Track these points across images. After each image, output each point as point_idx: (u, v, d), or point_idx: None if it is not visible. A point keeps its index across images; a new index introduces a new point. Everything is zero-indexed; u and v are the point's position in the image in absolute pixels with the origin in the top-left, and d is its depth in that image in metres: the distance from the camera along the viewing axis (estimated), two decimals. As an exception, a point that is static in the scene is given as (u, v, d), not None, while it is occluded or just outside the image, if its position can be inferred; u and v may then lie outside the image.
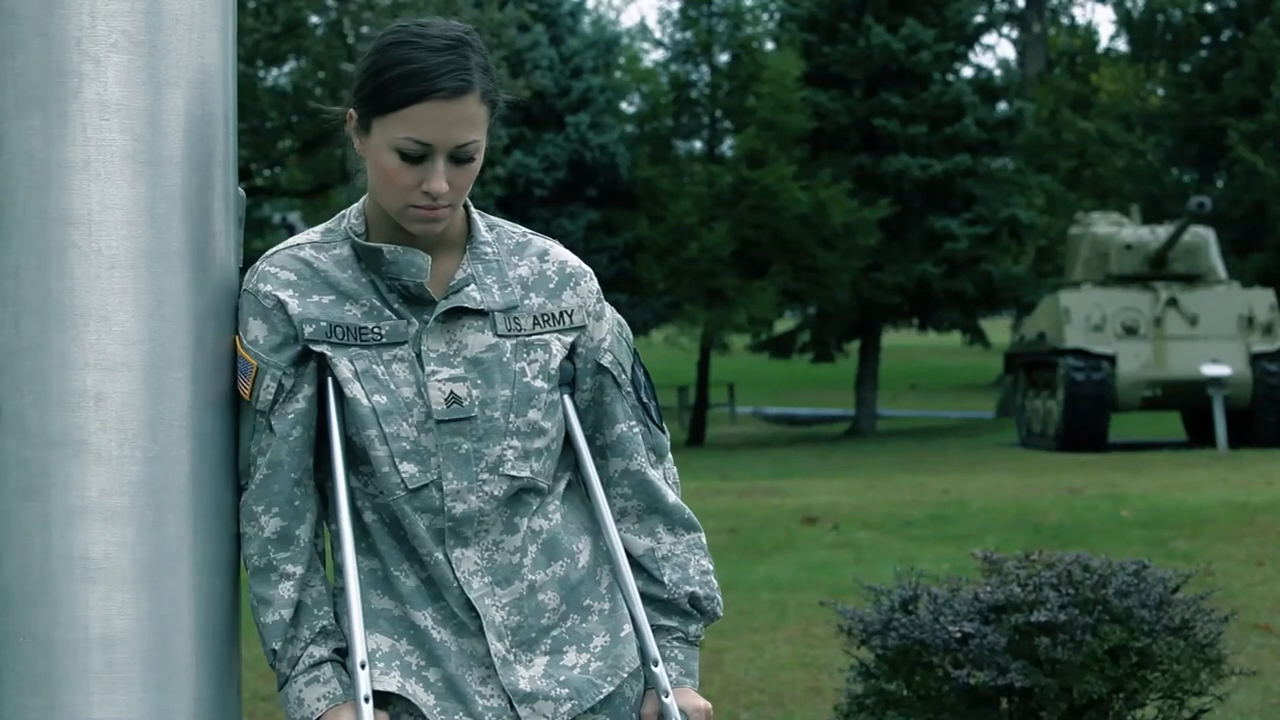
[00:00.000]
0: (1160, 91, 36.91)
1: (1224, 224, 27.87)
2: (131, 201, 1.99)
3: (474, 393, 2.18)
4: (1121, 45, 40.67)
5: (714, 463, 21.74)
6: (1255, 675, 5.93)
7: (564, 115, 29.49)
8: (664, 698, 2.24)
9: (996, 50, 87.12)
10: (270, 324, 2.15)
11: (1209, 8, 34.10)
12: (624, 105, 31.98)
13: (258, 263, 2.20)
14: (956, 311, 30.21)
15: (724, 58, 30.38)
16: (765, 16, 31.72)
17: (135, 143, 1.99)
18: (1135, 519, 10.85)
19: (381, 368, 2.17)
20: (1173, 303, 20.75)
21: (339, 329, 2.16)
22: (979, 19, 31.73)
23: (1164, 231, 21.71)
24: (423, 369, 2.18)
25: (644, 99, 31.49)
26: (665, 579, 2.31)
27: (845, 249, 27.36)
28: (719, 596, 2.35)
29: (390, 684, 2.14)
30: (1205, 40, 34.10)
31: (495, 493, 2.19)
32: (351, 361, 2.16)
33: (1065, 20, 46.56)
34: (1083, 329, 20.56)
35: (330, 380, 2.17)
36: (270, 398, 2.15)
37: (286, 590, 2.14)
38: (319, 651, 2.14)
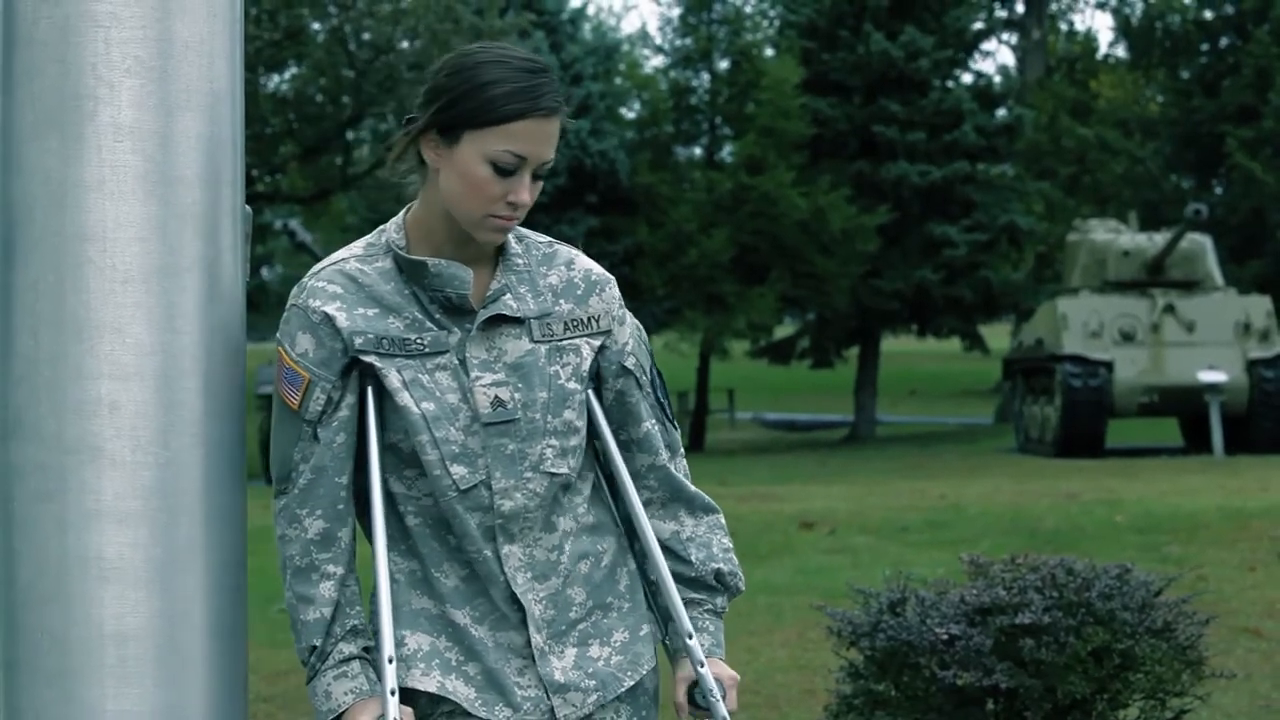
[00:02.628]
0: (1159, 98, 36.97)
1: (1222, 230, 27.94)
2: (144, 219, 2.07)
3: (516, 396, 2.29)
4: (1120, 52, 40.76)
5: (713, 468, 21.80)
6: (1240, 678, 6.02)
7: (564, 121, 29.49)
8: (699, 668, 2.37)
9: (996, 57, 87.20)
10: (318, 338, 2.24)
11: (1208, 15, 34.17)
12: (624, 111, 32.05)
13: (305, 279, 2.29)
14: (955, 318, 30.26)
15: (724, 64, 30.44)
16: (765, 23, 31.81)
17: (147, 163, 2.07)
18: (1130, 524, 10.91)
19: (426, 376, 2.26)
20: (1170, 309, 20.81)
21: (385, 340, 2.26)
22: (978, 26, 31.81)
23: (1161, 238, 21.77)
24: (467, 375, 2.28)
25: (644, 105, 31.56)
26: (692, 558, 2.44)
27: (844, 255, 27.42)
28: (740, 572, 2.49)
29: (430, 684, 2.25)
30: (1204, 47, 34.16)
31: (538, 490, 2.30)
32: (399, 371, 2.26)
33: (1064, 26, 46.62)
34: (1080, 335, 20.62)
35: (370, 389, 2.27)
36: (319, 409, 2.24)
37: (328, 590, 2.24)
38: (348, 648, 2.24)
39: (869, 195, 28.34)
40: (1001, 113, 30.93)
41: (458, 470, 2.25)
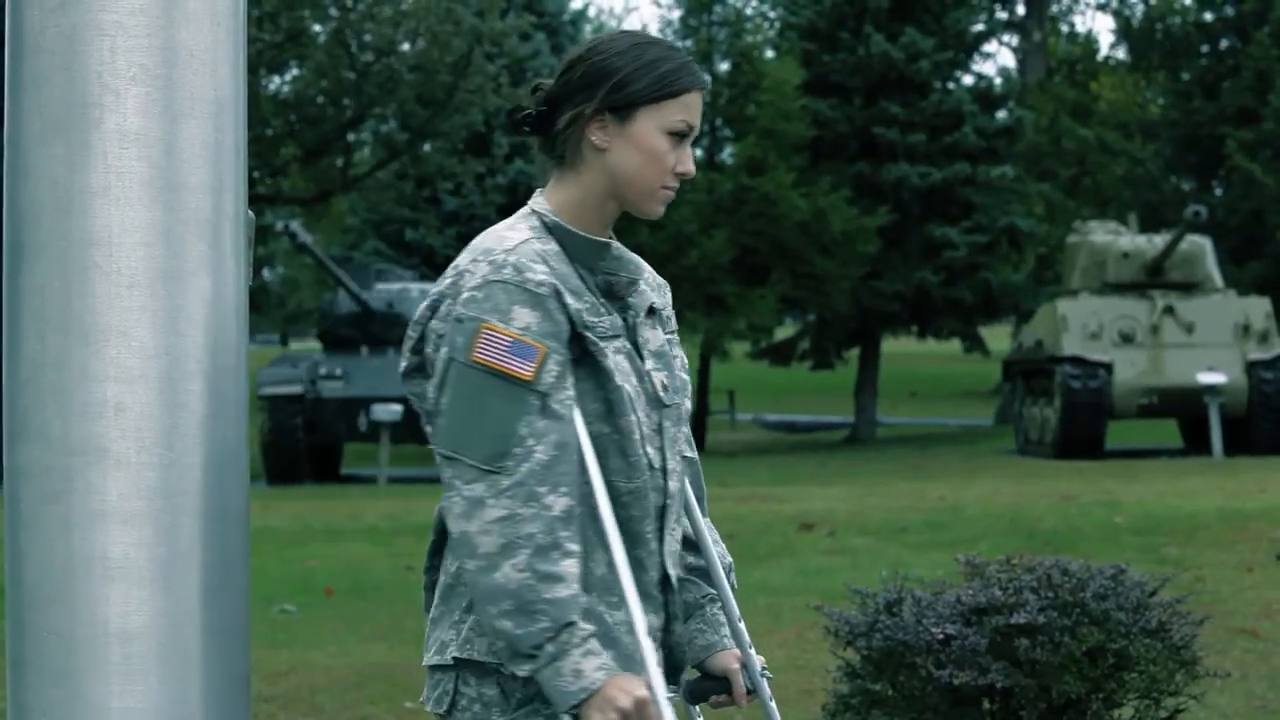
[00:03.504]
0: (1159, 100, 37.01)
1: (1222, 232, 27.96)
2: (149, 225, 2.11)
3: (667, 382, 2.39)
4: (1121, 54, 40.79)
5: (714, 469, 21.78)
6: (1236, 678, 6.05)
7: (565, 123, 29.53)
8: (749, 649, 2.48)
9: (997, 58, 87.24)
10: (544, 311, 2.25)
11: (1208, 16, 34.19)
12: (625, 113, 32.07)
13: (497, 256, 2.27)
14: (955, 319, 30.31)
15: (724, 66, 30.49)
16: (765, 25, 31.85)
17: (152, 170, 2.10)
18: (1128, 525, 10.94)
19: (616, 359, 2.33)
20: (1169, 311, 20.85)
21: (590, 321, 2.31)
22: (978, 27, 31.86)
23: (1161, 240, 21.81)
24: (641, 360, 2.36)
25: (645, 107, 31.58)
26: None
27: (845, 257, 27.46)
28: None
29: None
30: (1204, 49, 34.19)
31: (681, 473, 2.41)
32: (609, 352, 2.31)
33: (1065, 28, 46.65)
34: (1080, 337, 20.66)
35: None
36: (552, 380, 2.23)
37: (572, 567, 2.19)
38: (589, 626, 2.20)
39: (869, 197, 28.38)
40: (1002, 114, 30.98)
41: (649, 450, 2.33)
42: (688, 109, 2.34)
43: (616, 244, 2.37)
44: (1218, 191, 32.76)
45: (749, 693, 2.48)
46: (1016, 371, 23.44)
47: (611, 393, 2.29)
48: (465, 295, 2.25)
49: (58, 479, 2.08)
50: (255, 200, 22.79)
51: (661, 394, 2.36)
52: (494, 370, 2.21)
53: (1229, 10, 33.32)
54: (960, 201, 29.23)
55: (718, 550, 2.52)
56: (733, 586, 2.54)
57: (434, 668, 2.33)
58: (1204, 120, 31.99)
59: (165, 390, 2.12)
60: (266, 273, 43.67)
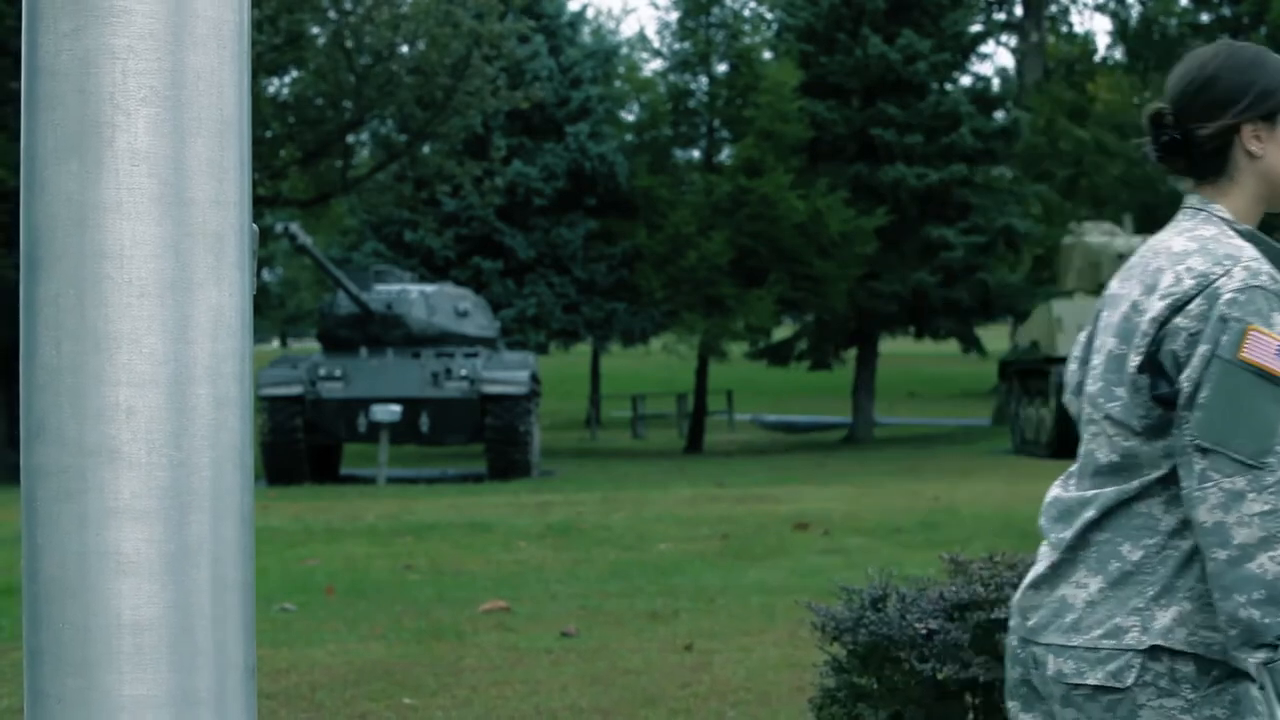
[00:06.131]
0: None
1: (1218, 233, 28.00)
2: (159, 238, 2.21)
3: None
4: (1118, 54, 40.88)
5: (712, 470, 21.92)
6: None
7: (563, 125, 29.70)
8: None
9: (995, 59, 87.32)
10: None
11: (1204, 18, 34.32)
12: (623, 115, 32.18)
13: (1250, 262, 2.34)
14: (953, 320, 30.43)
15: (722, 68, 30.58)
16: (763, 27, 31.96)
17: (162, 186, 2.21)
18: (1120, 524, 11.03)
19: None
20: (1164, 311, 20.95)
21: None
22: (976, 28, 31.97)
23: (1156, 241, 21.92)
24: None
25: (643, 109, 31.71)
26: None
27: (842, 258, 27.58)
28: None
29: None
30: (1200, 50, 34.30)
31: None
32: None
33: (1063, 29, 46.73)
34: (1075, 337, 20.75)
35: None
36: None
37: None
38: None
39: (867, 198, 28.49)
40: (999, 116, 31.10)
41: None
42: None
43: None
44: (1214, 192, 32.83)
45: None
46: (1012, 372, 23.55)
47: None
48: (1227, 296, 2.30)
49: (73, 478, 2.18)
50: (255, 202, 22.84)
51: None
52: (1262, 371, 2.27)
53: (1225, 11, 33.44)
54: (957, 203, 29.34)
55: None
56: None
57: (1101, 649, 2.36)
58: (1200, 121, 32.07)
59: (174, 394, 2.22)
60: (266, 274, 43.74)
